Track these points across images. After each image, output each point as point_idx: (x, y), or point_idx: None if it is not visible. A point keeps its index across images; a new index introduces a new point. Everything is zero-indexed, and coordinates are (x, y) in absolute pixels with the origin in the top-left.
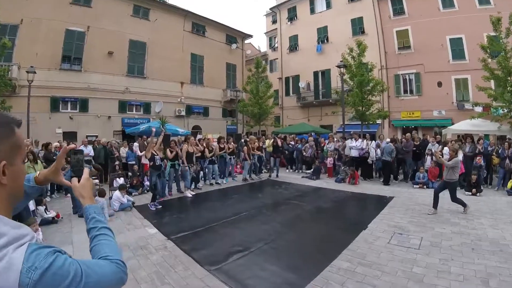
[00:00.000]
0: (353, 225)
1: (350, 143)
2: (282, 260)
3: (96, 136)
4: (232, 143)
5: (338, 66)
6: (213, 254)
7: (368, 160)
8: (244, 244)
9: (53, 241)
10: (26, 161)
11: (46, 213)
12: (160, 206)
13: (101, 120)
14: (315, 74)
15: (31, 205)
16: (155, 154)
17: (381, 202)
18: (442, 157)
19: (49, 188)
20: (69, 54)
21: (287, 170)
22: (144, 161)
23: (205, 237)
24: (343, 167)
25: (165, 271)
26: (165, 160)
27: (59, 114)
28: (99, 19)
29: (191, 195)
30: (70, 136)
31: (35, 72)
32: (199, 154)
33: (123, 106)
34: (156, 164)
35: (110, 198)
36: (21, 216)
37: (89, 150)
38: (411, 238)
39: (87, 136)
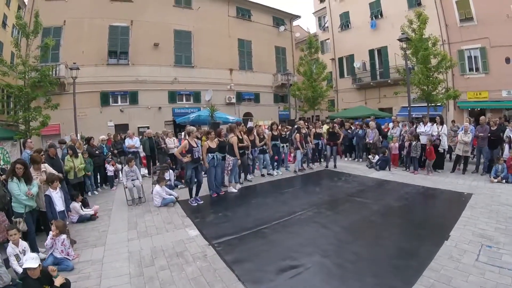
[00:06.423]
0: (432, 232)
1: (418, 128)
2: (347, 284)
3: (148, 127)
4: (285, 128)
5: (400, 40)
6: (259, 269)
7: (439, 149)
8: (298, 257)
9: (87, 241)
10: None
11: (82, 209)
12: (202, 202)
13: (151, 111)
14: (371, 52)
15: (61, 205)
16: (194, 146)
17: (459, 200)
18: None
19: (93, 183)
20: (115, 49)
21: (346, 159)
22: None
23: (251, 244)
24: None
25: None
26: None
27: (110, 108)
28: (142, 13)
29: (236, 190)
30: (122, 129)
31: (78, 69)
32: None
33: (173, 96)
34: (194, 157)
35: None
36: (46, 218)
37: (134, 142)
38: (503, 253)
39: (138, 128)
